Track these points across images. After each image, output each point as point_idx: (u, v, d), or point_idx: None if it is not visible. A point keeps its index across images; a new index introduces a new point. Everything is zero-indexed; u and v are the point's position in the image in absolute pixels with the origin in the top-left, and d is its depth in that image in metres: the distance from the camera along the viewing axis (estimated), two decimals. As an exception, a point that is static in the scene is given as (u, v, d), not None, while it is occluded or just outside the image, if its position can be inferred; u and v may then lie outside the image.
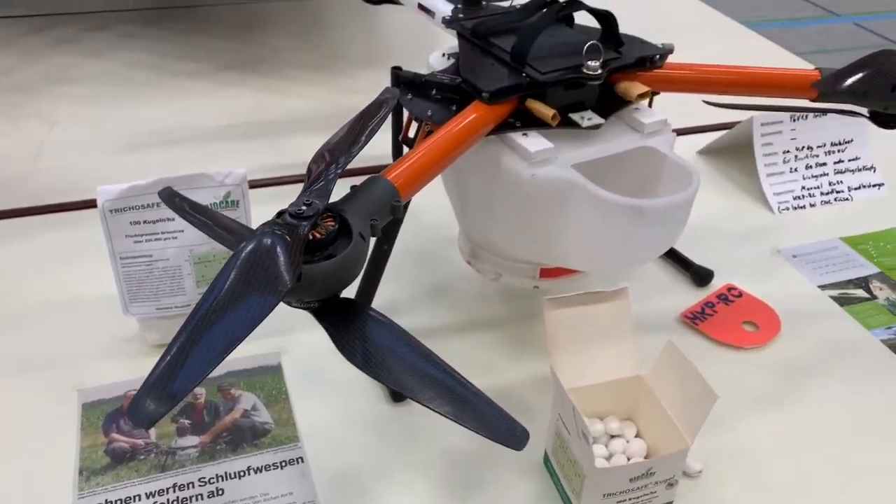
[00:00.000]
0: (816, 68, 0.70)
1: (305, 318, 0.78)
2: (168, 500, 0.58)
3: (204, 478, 0.59)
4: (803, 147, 0.99)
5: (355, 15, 1.49)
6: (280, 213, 0.44)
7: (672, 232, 0.61)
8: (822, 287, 0.83)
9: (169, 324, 0.70)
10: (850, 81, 0.65)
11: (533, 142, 0.60)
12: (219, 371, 0.68)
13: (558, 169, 0.59)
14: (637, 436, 0.61)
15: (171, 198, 0.54)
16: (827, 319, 0.79)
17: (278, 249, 0.40)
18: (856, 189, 0.99)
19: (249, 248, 0.40)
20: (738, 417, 0.68)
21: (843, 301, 0.81)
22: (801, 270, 0.86)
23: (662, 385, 0.58)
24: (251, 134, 1.11)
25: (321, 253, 0.43)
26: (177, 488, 0.58)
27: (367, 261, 0.69)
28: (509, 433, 0.41)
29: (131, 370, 0.69)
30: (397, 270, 0.83)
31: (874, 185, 1.00)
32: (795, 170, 0.98)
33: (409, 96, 0.64)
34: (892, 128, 0.70)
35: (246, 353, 0.71)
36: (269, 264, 0.39)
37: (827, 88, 0.66)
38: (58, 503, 0.58)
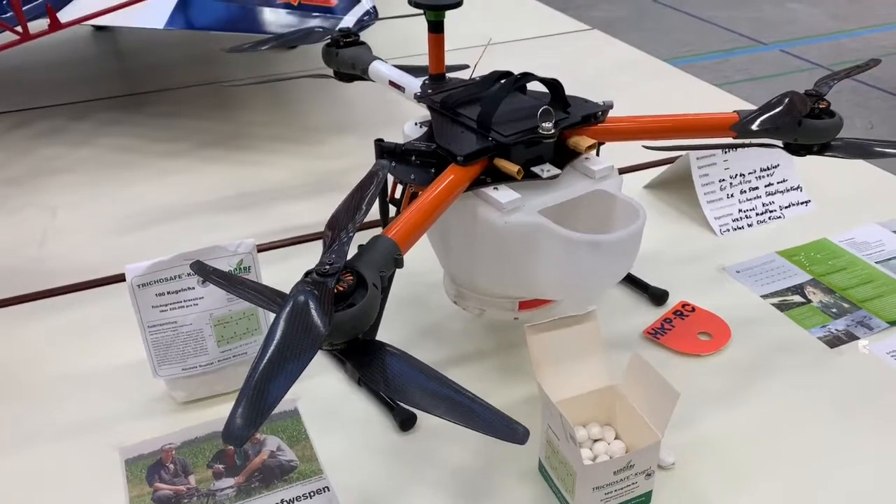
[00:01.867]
0: (735, 111, 0.82)
1: (313, 367, 0.87)
2: (215, 535, 0.65)
3: (244, 513, 0.67)
4: (736, 175, 1.11)
5: (319, 88, 1.60)
6: (307, 273, 0.53)
7: (626, 260, 0.72)
8: (764, 296, 0.95)
9: (195, 382, 0.78)
10: (761, 121, 0.77)
11: (503, 194, 0.70)
12: (242, 420, 0.77)
13: (526, 215, 0.70)
14: (616, 438, 0.70)
15: (203, 269, 0.63)
16: (770, 324, 0.90)
17: (311, 304, 0.49)
18: (786, 207, 1.12)
19: (289, 306, 0.49)
20: (702, 415, 0.78)
21: (783, 307, 0.93)
22: (745, 283, 0.97)
23: (633, 391, 0.68)
24: (236, 205, 1.20)
25: (344, 303, 0.52)
26: (221, 524, 0.66)
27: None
28: (511, 431, 0.50)
29: (164, 427, 0.77)
30: (391, 315, 0.91)
31: (802, 203, 1.13)
32: (731, 195, 1.11)
33: (393, 163, 0.75)
34: (802, 155, 0.82)
35: (264, 402, 0.80)
36: (306, 317, 0.48)
37: (743, 129, 0.78)
38: (115, 549, 0.65)
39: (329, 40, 0.99)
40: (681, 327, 0.89)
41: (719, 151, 1.11)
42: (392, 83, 0.90)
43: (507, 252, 0.71)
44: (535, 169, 0.73)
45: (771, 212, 1.11)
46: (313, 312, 0.49)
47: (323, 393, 0.81)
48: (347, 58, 0.97)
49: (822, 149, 0.81)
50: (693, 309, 0.92)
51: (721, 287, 0.97)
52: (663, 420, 0.64)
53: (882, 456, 0.74)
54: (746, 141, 0.81)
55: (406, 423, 0.75)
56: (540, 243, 0.69)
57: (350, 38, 0.98)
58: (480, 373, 0.84)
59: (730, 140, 0.81)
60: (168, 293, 0.74)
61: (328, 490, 0.69)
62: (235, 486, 0.70)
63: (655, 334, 0.88)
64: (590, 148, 0.75)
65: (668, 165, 1.16)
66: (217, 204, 1.21)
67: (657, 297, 0.93)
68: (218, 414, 0.79)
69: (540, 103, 0.76)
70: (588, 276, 0.70)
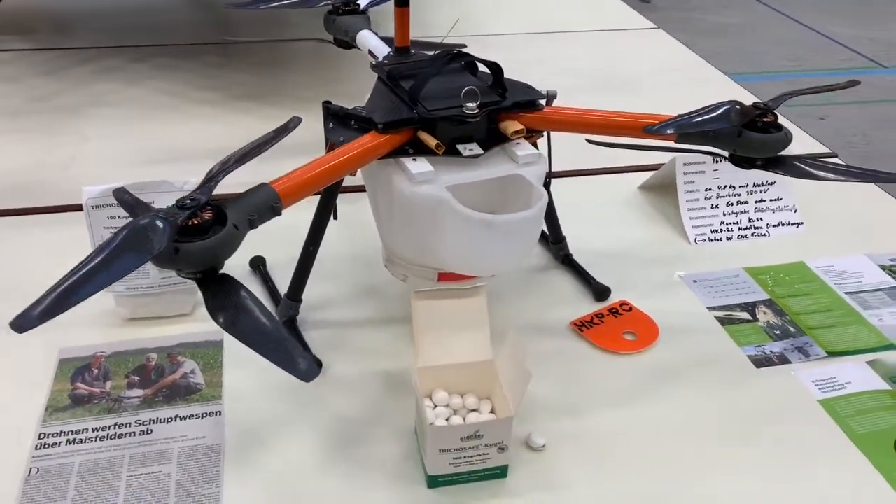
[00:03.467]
0: (678, 115, 0.81)
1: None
2: (108, 434, 0.73)
3: (140, 420, 0.74)
4: (726, 186, 1.09)
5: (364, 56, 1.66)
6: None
7: (520, 242, 0.73)
8: (711, 308, 0.93)
9: (137, 302, 0.86)
10: (690, 125, 0.76)
11: (417, 165, 0.74)
12: (173, 342, 0.84)
13: (434, 188, 0.73)
14: (492, 411, 0.73)
15: (119, 195, 0.70)
16: (704, 335, 0.89)
17: (156, 225, 0.55)
18: (774, 226, 1.09)
19: (137, 222, 0.55)
20: (594, 409, 0.79)
21: (725, 321, 0.91)
22: (697, 293, 0.96)
23: (503, 368, 0.70)
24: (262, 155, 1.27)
25: (201, 236, 0.57)
26: (117, 426, 0.74)
27: (298, 258, 0.84)
28: (304, 371, 0.55)
29: (104, 338, 0.85)
30: (340, 272, 0.98)
31: (793, 224, 1.10)
32: (716, 206, 1.09)
33: (331, 125, 0.79)
34: (746, 167, 0.80)
35: (198, 329, 0.87)
36: (146, 235, 0.54)
37: (680, 131, 0.77)
38: (27, 428, 0.74)
39: (330, 7, 1.04)
40: (610, 324, 0.89)
41: (709, 158, 1.09)
42: (370, 52, 0.94)
43: (414, 221, 0.74)
44: (460, 147, 0.76)
45: (756, 228, 1.08)
46: (149, 233, 0.54)
47: (251, 331, 0.87)
48: (342, 25, 1.02)
49: (767, 164, 0.80)
50: (630, 308, 0.92)
51: (670, 293, 0.96)
52: (517, 398, 0.66)
53: (766, 479, 0.73)
54: (691, 147, 0.80)
55: (308, 371, 0.80)
56: (443, 216, 0.72)
57: (349, 7, 1.03)
58: (402, 334, 0.87)
59: (671, 144, 0.81)
60: (118, 217, 0.82)
61: (219, 414, 0.75)
62: (142, 397, 0.77)
63: (581, 327, 0.89)
64: (517, 133, 0.77)
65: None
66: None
67: (598, 292, 0.93)
68: (153, 334, 0.86)
69: (482, 85, 0.79)
70: (483, 253, 0.72)
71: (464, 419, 0.72)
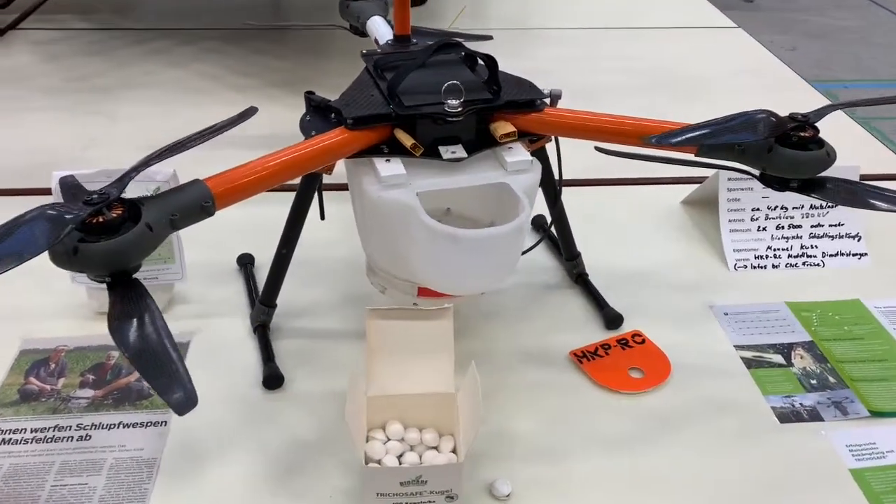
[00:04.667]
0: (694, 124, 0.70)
1: (224, 306, 0.88)
2: (46, 436, 0.68)
3: (81, 424, 0.70)
4: (776, 206, 0.96)
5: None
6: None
7: (495, 262, 0.64)
8: (738, 347, 0.81)
9: (106, 294, 0.82)
10: (715, 137, 0.64)
11: (388, 167, 0.66)
12: (137, 341, 0.79)
13: (403, 194, 0.64)
14: (454, 450, 0.64)
15: (65, 182, 0.65)
16: (724, 378, 0.78)
17: (41, 222, 0.49)
18: (832, 256, 0.95)
19: (27, 215, 0.50)
20: (579, 454, 0.69)
21: (752, 363, 0.79)
22: (726, 328, 0.84)
23: (462, 404, 0.61)
24: (269, 145, 1.22)
25: (108, 236, 0.52)
26: (56, 429, 0.69)
27: (272, 263, 0.77)
28: (176, 403, 0.48)
29: (72, 330, 0.81)
30: (328, 277, 0.91)
31: (856, 255, 0.95)
32: (764, 228, 0.96)
33: (308, 118, 0.72)
34: (778, 189, 0.68)
35: (166, 330, 0.82)
36: (32, 232, 0.48)
37: (687, 144, 0.66)
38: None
39: (346, -7, 0.97)
40: (616, 357, 0.79)
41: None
42: (376, 41, 0.87)
43: (383, 228, 0.66)
44: (442, 148, 0.68)
45: (810, 257, 0.95)
46: (42, 231, 0.48)
47: (221, 334, 0.81)
48: (355, 11, 0.94)
49: (804, 186, 0.67)
50: (643, 341, 0.81)
51: (695, 326, 0.85)
52: (467, 441, 0.58)
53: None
54: (715, 162, 0.69)
55: (269, 380, 0.74)
56: (409, 226, 0.63)
57: (365, -9, 0.96)
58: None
59: (692, 157, 0.69)
60: (88, 205, 0.78)
61: (164, 425, 0.70)
62: (91, 398, 0.72)
63: (581, 358, 0.78)
64: (507, 136, 0.67)
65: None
66: (258, 140, 1.24)
67: (610, 319, 0.83)
68: (121, 330, 0.82)
69: (475, 81, 0.70)
70: (452, 270, 0.64)
71: (420, 457, 0.64)
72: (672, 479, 0.68)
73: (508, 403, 0.74)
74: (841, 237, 0.96)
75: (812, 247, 0.95)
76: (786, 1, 4.53)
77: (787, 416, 0.73)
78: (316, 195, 0.76)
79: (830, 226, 0.96)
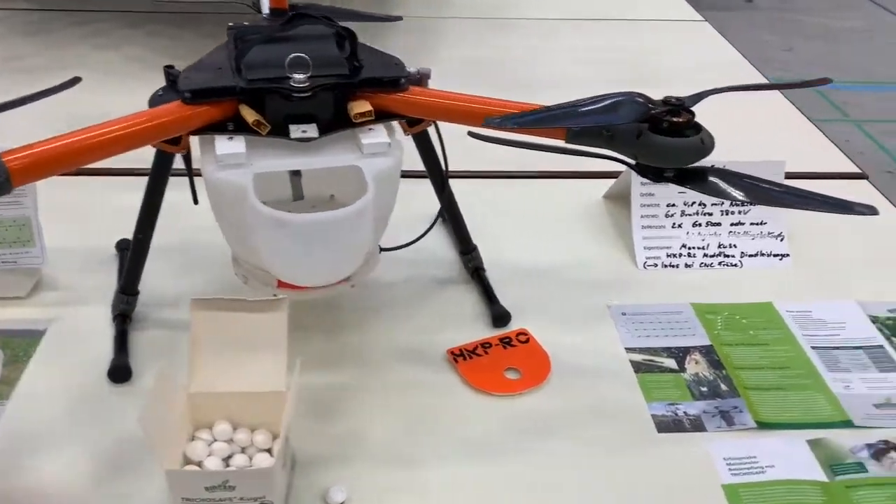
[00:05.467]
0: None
1: (97, 293, 0.83)
2: None
3: None
4: (693, 202, 0.91)
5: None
6: None
7: (334, 250, 0.59)
8: (630, 349, 0.76)
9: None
10: (558, 120, 0.59)
11: (227, 146, 0.61)
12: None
13: (238, 174, 0.60)
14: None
15: None
16: (608, 382, 0.72)
17: None
18: (751, 256, 0.89)
19: None
20: (432, 459, 0.64)
21: (642, 367, 0.74)
22: (621, 329, 0.79)
23: (292, 404, 0.57)
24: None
25: None
26: None
27: (130, 249, 0.73)
28: None
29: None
30: (204, 266, 0.85)
31: (777, 256, 0.90)
32: (679, 225, 0.90)
33: (161, 92, 0.67)
34: (654, 180, 0.63)
35: (25, 315, 0.77)
36: None
37: (531, 126, 0.61)
38: None
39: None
40: (495, 357, 0.74)
41: (675, 169, 0.91)
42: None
43: (221, 211, 0.62)
44: (293, 127, 0.63)
45: (727, 256, 0.89)
46: None
47: (83, 323, 0.77)
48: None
49: (681, 177, 0.62)
50: (527, 339, 0.76)
51: (589, 325, 0.79)
52: (280, 444, 0.53)
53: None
54: (581, 148, 0.64)
55: (115, 373, 0.70)
56: (245, 209, 0.59)
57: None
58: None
59: (562, 144, 0.64)
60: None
61: (-5, 417, 0.66)
62: (-73, 385, 0.69)
63: (458, 357, 0.74)
64: (362, 115, 0.63)
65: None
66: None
67: (496, 316, 0.78)
68: (-22, 314, 0.78)
69: (336, 57, 0.65)
70: (289, 258, 0.59)
71: (251, 460, 0.60)
72: (535, 487, 0.63)
73: (370, 404, 0.69)
74: (763, 236, 0.91)
75: (730, 246, 0.90)
76: (785, 2, 4.47)
77: (667, 424, 0.68)
78: (187, 178, 0.72)
79: (752, 224, 0.91)
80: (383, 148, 0.63)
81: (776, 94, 1.37)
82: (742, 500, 0.61)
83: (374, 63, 0.66)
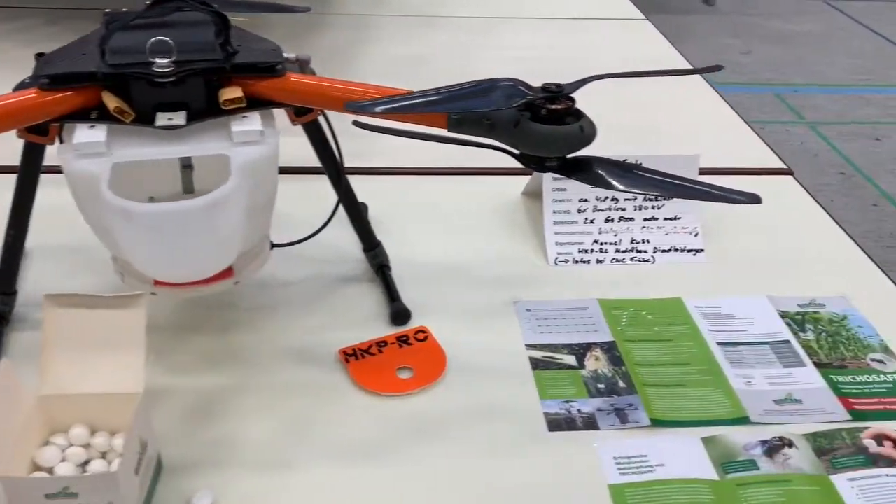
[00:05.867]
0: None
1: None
2: None
3: None
4: (606, 197, 0.89)
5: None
6: None
7: (190, 243, 0.56)
8: (530, 346, 0.74)
9: None
10: (444, 107, 0.57)
11: (86, 134, 0.58)
12: None
13: (93, 163, 0.57)
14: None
15: None
16: (504, 380, 0.70)
17: None
18: (664, 252, 0.88)
19: None
20: (309, 462, 0.61)
21: (540, 364, 0.72)
22: (524, 326, 0.76)
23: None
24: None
25: None
26: None
27: (2, 247, 0.70)
28: None
29: None
30: (98, 267, 0.80)
31: (691, 251, 0.88)
32: (592, 221, 0.89)
33: (27, 80, 0.64)
34: (536, 169, 0.61)
35: None
36: None
37: (396, 112, 0.58)
38: None
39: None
40: (389, 356, 0.71)
41: (587, 164, 0.89)
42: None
43: (81, 203, 0.59)
44: (160, 115, 0.60)
45: (639, 252, 0.88)
46: None
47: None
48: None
49: (563, 167, 0.60)
50: (425, 338, 0.73)
51: (493, 322, 0.77)
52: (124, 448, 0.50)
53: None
54: (466, 138, 0.61)
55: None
56: (98, 199, 0.56)
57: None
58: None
59: (445, 133, 0.62)
60: None
61: None
62: None
63: (349, 356, 0.71)
64: (231, 101, 0.60)
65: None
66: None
67: (394, 314, 0.75)
68: None
69: (209, 42, 0.62)
70: (146, 251, 0.56)
71: (109, 465, 0.56)
72: (413, 490, 0.60)
73: (251, 406, 0.66)
74: (676, 231, 0.89)
75: (643, 241, 0.88)
76: (746, 5, 4.51)
77: (559, 423, 0.66)
78: None
79: (666, 219, 0.89)
80: (254, 136, 0.60)
81: (714, 95, 1.36)
82: (627, 499, 0.59)
83: (250, 49, 0.64)
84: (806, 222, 0.97)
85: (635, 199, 0.89)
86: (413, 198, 0.98)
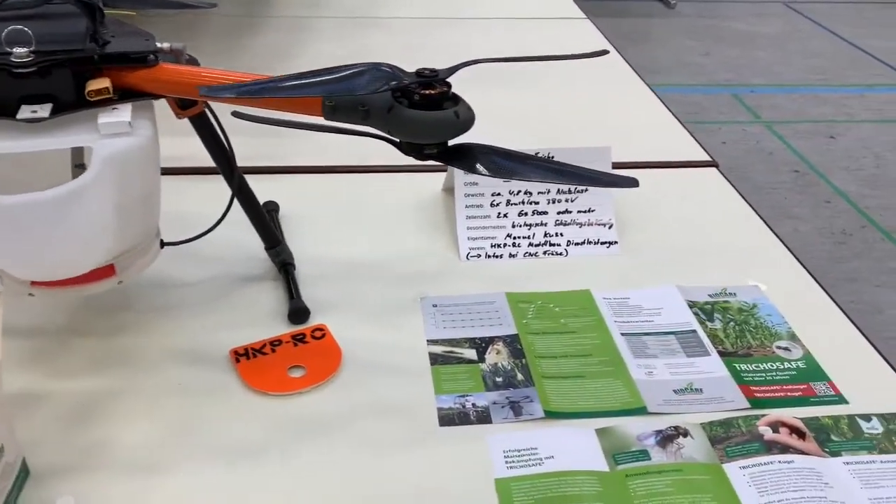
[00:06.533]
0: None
1: None
2: None
3: None
4: (519, 191, 0.88)
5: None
6: None
7: (41, 239, 0.54)
8: (432, 342, 0.72)
9: None
10: (304, 91, 0.55)
11: (-64, 129, 0.56)
12: None
13: (-54, 159, 0.55)
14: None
15: None
16: (401, 377, 0.68)
17: None
18: (578, 244, 0.87)
19: None
20: (182, 466, 0.59)
21: (439, 359, 0.70)
22: (428, 321, 0.75)
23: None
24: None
25: None
26: None
27: None
28: None
29: None
30: None
31: (605, 243, 0.87)
32: (505, 215, 0.87)
33: None
34: (416, 157, 0.60)
35: None
36: None
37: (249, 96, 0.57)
38: None
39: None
40: (282, 355, 0.69)
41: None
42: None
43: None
44: (24, 107, 0.58)
45: (553, 245, 0.87)
46: None
47: None
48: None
49: (443, 154, 0.59)
50: (323, 335, 0.72)
51: (397, 319, 0.75)
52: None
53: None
54: (348, 126, 0.60)
55: None
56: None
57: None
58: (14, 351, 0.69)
59: (323, 122, 0.61)
60: None
61: None
62: None
63: (240, 356, 0.69)
64: (97, 92, 0.58)
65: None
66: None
67: (292, 312, 0.73)
68: None
69: (78, 32, 0.60)
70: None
71: (-32, 471, 0.54)
72: (296, 490, 0.58)
73: (132, 409, 0.64)
74: (590, 224, 0.88)
75: (557, 234, 0.87)
76: (706, 7, 4.55)
77: (451, 418, 0.64)
78: None
79: (579, 212, 0.88)
80: (122, 128, 0.58)
81: (649, 94, 1.36)
82: (513, 493, 0.57)
83: (123, 40, 0.62)
84: (727, 214, 0.97)
85: (548, 191, 0.88)
86: (334, 196, 0.97)
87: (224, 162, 0.72)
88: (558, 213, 0.88)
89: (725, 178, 1.06)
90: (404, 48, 1.46)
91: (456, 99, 0.58)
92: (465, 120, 0.57)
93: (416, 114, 0.56)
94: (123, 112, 0.60)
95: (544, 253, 0.86)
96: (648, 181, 1.03)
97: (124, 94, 0.62)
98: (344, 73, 0.55)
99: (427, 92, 0.56)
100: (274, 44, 1.41)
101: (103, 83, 0.59)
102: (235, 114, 0.63)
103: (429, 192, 0.98)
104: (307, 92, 0.55)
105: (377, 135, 0.61)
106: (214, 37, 1.44)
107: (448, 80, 0.58)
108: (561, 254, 0.86)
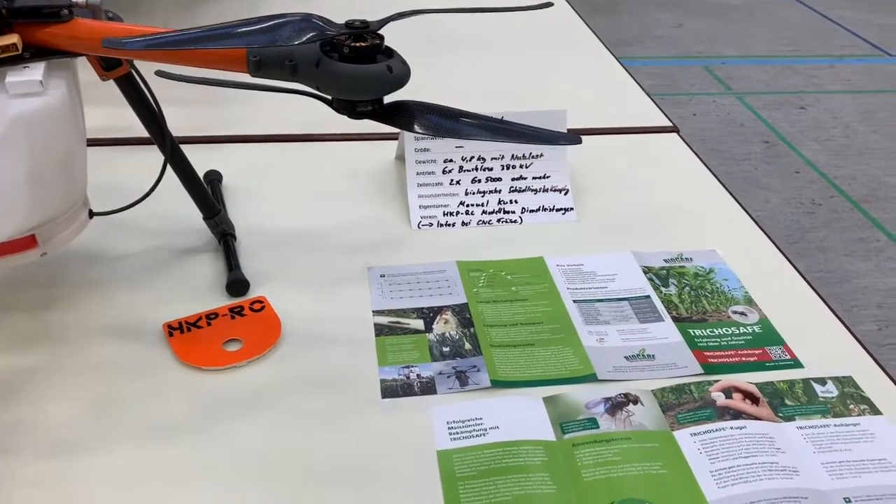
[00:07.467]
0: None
1: None
2: None
3: None
4: (472, 157, 0.85)
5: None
6: None
7: None
8: (378, 312, 0.70)
9: None
10: (218, 44, 0.52)
11: None
12: None
13: None
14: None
15: None
16: (343, 348, 0.66)
17: None
18: (532, 212, 0.84)
19: None
20: (107, 445, 0.56)
21: (384, 330, 0.68)
22: (376, 291, 0.72)
23: None
24: None
25: None
26: None
27: None
28: None
29: None
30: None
31: (560, 210, 0.85)
32: (458, 182, 0.84)
33: None
34: (350, 116, 0.56)
35: None
36: None
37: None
38: None
39: None
40: (218, 328, 0.66)
41: (450, 122, 0.85)
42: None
43: None
44: (-72, 68, 0.54)
45: (507, 213, 0.84)
46: None
47: None
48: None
49: (378, 113, 0.56)
50: (262, 308, 0.69)
51: (342, 290, 0.73)
52: None
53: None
54: (278, 84, 0.56)
55: None
56: None
57: None
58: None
59: (251, 80, 0.57)
60: None
61: None
62: None
63: (174, 330, 0.66)
64: (5, 49, 0.54)
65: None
66: None
67: (230, 284, 0.70)
68: None
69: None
70: None
71: None
72: (229, 466, 0.55)
73: (58, 386, 0.61)
74: (545, 191, 0.85)
75: (511, 202, 0.84)
76: (679, -20, 4.52)
77: (394, 389, 0.62)
78: None
79: (534, 178, 0.86)
80: (33, 87, 0.55)
81: (615, 65, 1.32)
82: (454, 465, 0.55)
83: (36, -4, 0.58)
84: (687, 179, 0.95)
85: (502, 157, 0.85)
86: (282, 166, 0.93)
87: (155, 127, 0.69)
88: (513, 179, 0.85)
89: (686, 143, 1.04)
90: (363, 12, 1.42)
91: (390, 52, 0.55)
92: (400, 75, 0.54)
93: (346, 67, 0.53)
94: (35, 71, 0.56)
95: (498, 221, 0.83)
96: (607, 147, 1.02)
97: (39, 51, 0.58)
98: (265, 25, 0.52)
99: (357, 44, 0.53)
100: (223, 13, 1.36)
101: (10, 39, 0.55)
102: (159, 72, 0.60)
103: (381, 160, 0.95)
104: (225, 44, 0.51)
105: (309, 92, 0.57)
106: (163, 5, 1.39)
107: (381, 31, 0.54)
108: (515, 221, 0.84)
